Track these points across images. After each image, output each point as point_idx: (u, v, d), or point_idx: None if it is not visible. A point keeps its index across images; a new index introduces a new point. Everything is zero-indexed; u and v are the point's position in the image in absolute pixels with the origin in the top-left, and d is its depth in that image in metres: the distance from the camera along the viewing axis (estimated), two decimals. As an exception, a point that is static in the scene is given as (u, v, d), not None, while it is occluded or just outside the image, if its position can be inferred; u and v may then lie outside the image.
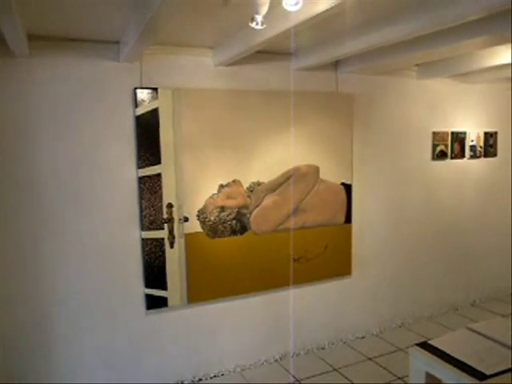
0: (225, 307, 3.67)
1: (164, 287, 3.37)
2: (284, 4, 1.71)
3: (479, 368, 1.92)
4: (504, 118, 5.12)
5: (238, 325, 3.75)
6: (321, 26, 2.65)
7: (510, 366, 1.93)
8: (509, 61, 3.16)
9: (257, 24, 1.84)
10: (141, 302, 3.36)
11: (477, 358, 2.00)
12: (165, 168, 3.27)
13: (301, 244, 3.83)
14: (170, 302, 3.40)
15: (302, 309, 4.01)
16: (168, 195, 3.31)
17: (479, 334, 2.24)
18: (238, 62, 3.33)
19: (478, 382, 1.85)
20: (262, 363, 3.85)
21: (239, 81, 3.53)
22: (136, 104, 3.14)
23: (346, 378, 3.63)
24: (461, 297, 5.03)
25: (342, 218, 4.02)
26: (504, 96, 5.11)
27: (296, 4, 1.69)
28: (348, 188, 4.01)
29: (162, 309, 3.41)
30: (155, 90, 3.19)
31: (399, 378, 3.58)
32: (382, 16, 2.58)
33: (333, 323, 4.19)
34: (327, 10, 1.96)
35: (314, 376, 3.66)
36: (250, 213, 3.59)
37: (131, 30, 2.57)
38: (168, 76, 3.28)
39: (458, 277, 4.99)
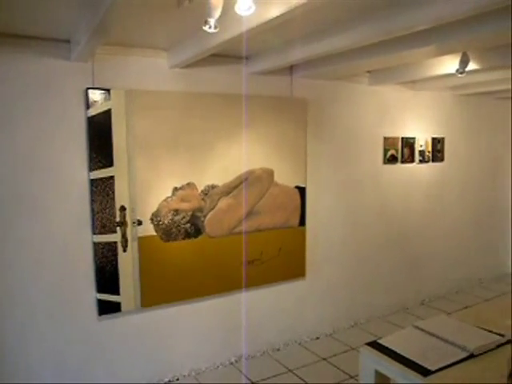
0: (179, 311, 3.63)
1: (117, 292, 3.30)
2: (237, 8, 1.72)
3: (424, 364, 2.00)
4: (450, 125, 5.35)
5: (193, 328, 3.73)
6: (275, 31, 2.68)
7: (451, 361, 2.02)
8: (453, 71, 3.30)
9: (210, 27, 1.84)
10: (92, 308, 3.27)
11: (422, 355, 2.08)
12: (118, 170, 3.21)
13: (255, 247, 3.86)
14: (123, 307, 3.34)
15: (257, 311, 4.03)
16: (121, 198, 3.25)
17: (424, 331, 2.33)
18: (193, 64, 3.32)
19: (422, 377, 1.92)
20: (218, 366, 3.84)
21: (195, 83, 3.51)
22: (88, 105, 3.07)
23: (301, 378, 3.67)
24: (411, 297, 5.20)
25: (296, 221, 4.07)
26: (451, 103, 5.35)
27: (248, 9, 1.71)
28: (302, 191, 4.07)
29: (115, 314, 3.34)
30: (108, 90, 3.12)
31: (352, 376, 3.66)
32: (334, 24, 2.65)
33: (288, 325, 4.24)
34: (280, 16, 1.99)
35: (268, 377, 3.69)
36: (205, 216, 3.58)
37: (82, 29, 2.51)
38: (121, 77, 3.23)
39: (409, 278, 5.16)
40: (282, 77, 3.93)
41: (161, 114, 3.34)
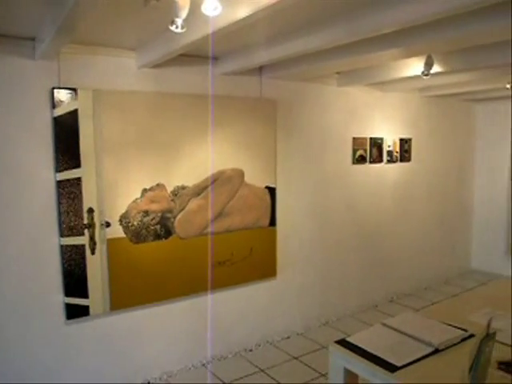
0: (150, 313, 3.60)
1: (85, 295, 3.25)
2: (203, 9, 1.72)
3: (391, 360, 2.03)
4: (417, 126, 5.47)
5: (164, 330, 3.69)
6: (243, 32, 2.69)
7: (417, 357, 2.07)
8: (419, 73, 3.38)
9: (177, 27, 1.83)
10: (60, 312, 3.20)
11: (389, 351, 2.12)
12: (85, 172, 3.15)
13: (226, 247, 3.85)
14: (91, 311, 3.28)
15: (229, 312, 4.03)
16: (89, 200, 3.19)
17: (392, 328, 2.37)
18: (162, 64, 3.30)
19: (389, 373, 1.96)
20: (190, 368, 3.82)
21: (164, 83, 3.49)
22: (54, 105, 3.00)
23: (272, 378, 3.69)
24: (380, 294, 5.29)
25: (267, 221, 4.09)
26: (418, 104, 5.47)
27: (215, 9, 1.71)
28: (272, 191, 4.09)
29: (84, 318, 3.28)
30: (74, 90, 3.07)
31: (322, 374, 3.70)
32: (302, 25, 2.67)
33: (259, 325, 4.25)
34: (247, 17, 1.99)
35: (240, 378, 3.69)
36: (175, 217, 3.55)
37: (47, 26, 2.46)
38: (88, 76, 3.17)
39: (378, 276, 5.25)
40: (252, 77, 3.94)
41: (129, 114, 3.30)
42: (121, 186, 3.31)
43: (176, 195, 3.54)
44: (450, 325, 2.39)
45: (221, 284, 3.89)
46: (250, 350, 4.16)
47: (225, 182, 3.77)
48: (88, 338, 3.35)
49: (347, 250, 4.90)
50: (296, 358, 4.02)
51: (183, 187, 3.57)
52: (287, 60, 3.37)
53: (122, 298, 3.40)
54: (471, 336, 2.22)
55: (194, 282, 3.73)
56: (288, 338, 4.43)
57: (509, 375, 1.94)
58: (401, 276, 5.52)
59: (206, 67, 3.64)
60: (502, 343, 2.21)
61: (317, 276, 4.65)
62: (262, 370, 3.81)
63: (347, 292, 4.95)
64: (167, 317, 3.70)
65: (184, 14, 1.78)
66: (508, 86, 4.08)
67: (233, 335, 4.08)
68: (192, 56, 3.46)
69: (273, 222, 4.13)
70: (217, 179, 3.73)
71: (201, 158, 3.65)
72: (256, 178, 3.97)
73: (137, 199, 3.38)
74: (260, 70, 3.93)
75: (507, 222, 6.14)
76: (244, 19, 2.02)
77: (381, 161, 5.04)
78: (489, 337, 1.76)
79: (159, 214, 3.48)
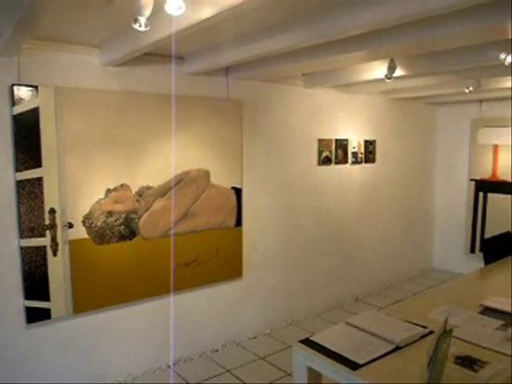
0: (115, 315, 3.54)
1: (47, 298, 3.16)
2: (166, 8, 1.70)
3: (353, 358, 2.07)
4: (381, 128, 5.59)
5: (129, 333, 3.64)
6: (209, 32, 2.69)
7: (379, 354, 2.11)
8: (383, 76, 3.45)
9: (140, 26, 1.81)
10: (20, 316, 3.11)
11: (352, 350, 2.15)
12: (46, 171, 3.07)
13: (192, 248, 3.83)
14: (53, 314, 3.20)
15: (195, 313, 4.01)
16: (50, 200, 3.11)
17: (355, 326, 2.41)
18: (127, 63, 3.25)
19: (351, 371, 1.99)
20: (155, 370, 3.78)
21: (129, 82, 3.44)
22: (13, 102, 2.92)
23: (238, 378, 3.69)
24: (346, 294, 5.38)
25: (233, 222, 4.09)
26: (382, 107, 5.58)
27: (179, 8, 1.70)
28: (238, 192, 4.10)
29: (45, 321, 3.19)
30: (35, 87, 2.99)
31: (288, 374, 3.72)
32: (268, 26, 2.68)
33: (226, 325, 4.24)
34: (212, 17, 1.99)
35: (206, 379, 3.68)
36: (139, 218, 3.51)
37: (5, 21, 2.38)
38: (50, 74, 3.09)
39: (344, 276, 5.33)
40: (218, 78, 3.93)
41: (93, 113, 3.24)
42: (84, 187, 3.24)
43: (141, 196, 3.50)
44: (411, 322, 2.45)
45: (186, 285, 3.86)
46: (216, 351, 4.15)
47: (190, 182, 3.75)
48: (50, 342, 3.26)
49: (314, 250, 4.95)
50: (262, 358, 4.04)
51: (148, 187, 3.53)
52: (253, 61, 3.38)
53: (86, 301, 3.34)
54: (430, 333, 2.28)
55: (160, 283, 3.70)
56: (255, 338, 4.44)
57: (465, 369, 2.00)
58: (366, 276, 5.62)
59: (171, 66, 3.61)
60: (459, 339, 2.28)
61: (283, 276, 4.68)
62: (228, 371, 3.81)
63: (313, 292, 5.00)
64: (132, 319, 3.64)
65: (147, 12, 1.76)
66: (467, 90, 4.22)
67: (199, 336, 4.06)
68: (158, 55, 3.43)
69: (239, 223, 4.13)
70: (182, 180, 3.71)
71: (166, 159, 3.62)
72: (222, 179, 3.96)
73: (100, 200, 3.32)
74: (226, 70, 3.93)
75: (466, 223, 6.34)
76: (208, 19, 2.02)
77: (346, 162, 5.11)
78: (446, 333, 1.81)
79: (123, 215, 3.43)
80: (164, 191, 3.61)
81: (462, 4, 1.88)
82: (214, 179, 3.90)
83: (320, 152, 4.82)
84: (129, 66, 3.36)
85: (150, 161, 3.54)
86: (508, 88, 4.45)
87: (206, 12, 1.95)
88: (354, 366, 2.02)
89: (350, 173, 5.21)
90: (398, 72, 3.48)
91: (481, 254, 4.10)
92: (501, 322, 2.51)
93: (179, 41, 2.69)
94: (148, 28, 1.83)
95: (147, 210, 3.53)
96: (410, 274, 6.35)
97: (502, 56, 2.79)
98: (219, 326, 4.20)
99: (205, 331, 4.10)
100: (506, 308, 2.69)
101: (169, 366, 3.85)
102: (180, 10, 1.70)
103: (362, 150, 5.29)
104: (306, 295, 4.92)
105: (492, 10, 2.13)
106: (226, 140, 3.97)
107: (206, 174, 3.85)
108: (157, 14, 1.92)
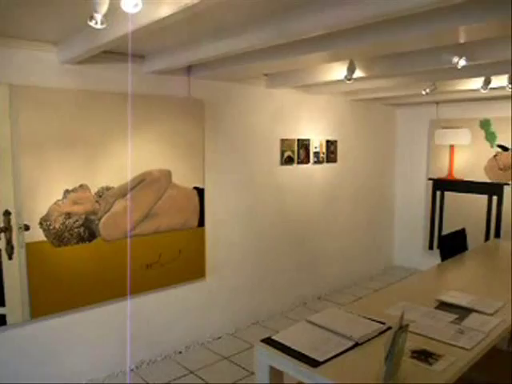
0: (75, 319, 3.45)
1: (1, 303, 3.05)
2: (122, 5, 1.68)
3: (313, 356, 2.10)
4: (343, 128, 5.68)
5: (90, 337, 3.56)
6: (170, 31, 2.66)
7: (339, 351, 2.15)
8: (342, 77, 3.50)
9: (96, 23, 1.77)
10: (-28, 322, 3.00)
11: (312, 347, 2.18)
12: (0, 172, 2.97)
13: (154, 249, 3.78)
14: (9, 320, 3.10)
15: (158, 315, 3.96)
16: (5, 202, 3.01)
17: (315, 324, 2.44)
18: (86, 61, 3.17)
19: (312, 369, 2.02)
20: (117, 375, 3.72)
21: (88, 81, 3.36)
22: (-36, 100, 2.81)
23: (202, 378, 3.68)
24: (310, 292, 5.43)
25: (196, 222, 4.06)
26: (343, 108, 5.68)
27: (135, 6, 1.68)
28: (201, 192, 4.07)
29: (1, 328, 3.08)
30: (-12, 85, 2.88)
31: (252, 373, 3.73)
32: (230, 26, 2.67)
33: (190, 327, 4.21)
34: (171, 16, 1.97)
35: (169, 381, 3.64)
36: (99, 219, 3.43)
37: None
38: (5, 71, 2.98)
39: (307, 275, 5.39)
40: (180, 77, 3.90)
41: (51, 111, 3.15)
42: (41, 187, 3.15)
43: (100, 196, 3.43)
44: (370, 319, 2.50)
45: (149, 287, 3.81)
46: (180, 353, 4.12)
47: (152, 182, 3.70)
48: (7, 349, 3.15)
49: (277, 249, 4.98)
50: (226, 358, 4.04)
51: (108, 188, 3.46)
52: (215, 60, 3.37)
53: (44, 305, 3.24)
54: (389, 328, 2.34)
55: (121, 285, 3.63)
56: (219, 338, 4.43)
57: (420, 362, 2.07)
58: (329, 274, 5.70)
59: (133, 65, 3.55)
60: (416, 333, 2.35)
61: (247, 276, 4.69)
62: (192, 372, 3.79)
63: (278, 291, 5.03)
64: (93, 322, 3.56)
65: (103, 9, 1.73)
66: (424, 92, 4.34)
67: (162, 338, 4.01)
68: (118, 53, 3.36)
69: (202, 223, 4.11)
70: (143, 180, 3.65)
71: (127, 159, 3.56)
72: (184, 179, 3.93)
73: (59, 201, 3.23)
74: (188, 69, 3.90)
75: (425, 221, 6.53)
76: (167, 18, 1.99)
77: (308, 162, 5.17)
78: (402, 329, 1.86)
79: (83, 216, 3.35)
80: (125, 192, 3.55)
81: (418, 8, 1.93)
82: (175, 179, 3.86)
83: (282, 152, 4.85)
84: (88, 64, 3.28)
85: (110, 161, 3.47)
86: (462, 90, 4.61)
87: (164, 10, 1.93)
88: (314, 363, 2.05)
89: (312, 172, 5.28)
90: (358, 73, 3.54)
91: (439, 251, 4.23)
92: (455, 316, 2.61)
93: (139, 39, 2.65)
94: (104, 25, 1.79)
95: (107, 211, 3.46)
96: (371, 271, 6.48)
97: (455, 60, 2.89)
98: (183, 328, 4.16)
99: (169, 333, 4.05)
100: (460, 302, 2.80)
101: (132, 370, 3.79)
102: (136, 8, 1.68)
103: (324, 150, 5.37)
104: (270, 294, 4.94)
105: (447, 14, 2.20)
106: (188, 140, 3.94)
107: (168, 174, 3.81)
108: (115, 11, 1.89)
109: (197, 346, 4.25)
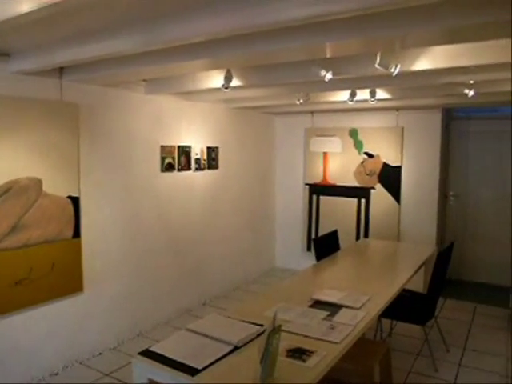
0: None
1: None
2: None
3: (192, 364, 2.09)
4: (224, 135, 5.77)
5: None
6: (40, 28, 2.47)
7: (218, 357, 2.16)
8: (219, 85, 3.56)
9: None
10: None
11: (191, 355, 2.17)
12: None
13: (24, 264, 3.47)
14: None
15: (30, 335, 3.64)
16: None
17: (195, 332, 2.44)
18: None
19: (190, 377, 2.00)
20: (-21, 406, 3.34)
21: None
22: None
23: (79, 400, 3.47)
24: (194, 299, 5.41)
25: (70, 233, 3.82)
26: (224, 115, 5.77)
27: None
28: (76, 201, 3.84)
29: None
30: None
31: (134, 388, 3.60)
32: (102, 28, 2.56)
33: (67, 345, 3.94)
34: (30, 13, 1.83)
35: (41, 407, 3.37)
36: (-46, 233, 3.07)
37: None
38: None
39: (191, 282, 5.36)
40: (51, 79, 3.65)
41: None
42: None
43: (-45, 208, 3.07)
44: (249, 322, 2.57)
45: (18, 305, 3.48)
46: (56, 374, 3.83)
47: (19, 191, 3.40)
48: None
49: (159, 258, 4.88)
50: (107, 375, 3.85)
51: (-36, 199, 3.12)
52: (90, 63, 3.21)
53: None
54: (265, 331, 2.41)
55: (-17, 306, 3.28)
56: (100, 354, 4.21)
57: (295, 360, 2.17)
58: (212, 279, 5.74)
59: (-4, 64, 3.25)
60: (292, 333, 2.46)
61: (129, 286, 4.52)
62: (69, 394, 3.55)
63: (161, 300, 4.93)
64: None
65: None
66: (298, 102, 4.58)
67: (35, 360, 3.69)
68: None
69: (77, 234, 3.88)
70: (10, 189, 3.34)
71: (-11, 166, 3.23)
72: (56, 188, 3.67)
73: None
74: (61, 71, 3.67)
75: (303, 223, 6.90)
76: (27, 14, 1.85)
77: (189, 168, 5.16)
78: (275, 330, 1.93)
79: None
80: (-15, 202, 3.22)
81: (291, 22, 2.01)
82: (47, 188, 3.59)
83: (163, 159, 4.78)
84: None
85: (-33, 169, 3.13)
86: (333, 102, 4.97)
87: (24, 7, 1.79)
88: (192, 371, 2.04)
89: (194, 179, 5.27)
90: (235, 82, 3.63)
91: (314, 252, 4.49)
92: (327, 313, 2.78)
93: (2, 34, 2.42)
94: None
95: (-36, 224, 3.11)
96: (254, 274, 6.66)
97: (323, 73, 3.10)
98: (59, 346, 3.88)
99: (42, 354, 3.74)
100: (332, 299, 2.99)
101: (-3, 398, 3.44)
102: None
103: (205, 157, 5.40)
104: (153, 304, 4.82)
105: (315, 30, 2.34)
106: (61, 146, 3.69)
107: (38, 182, 3.53)
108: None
109: (75, 364, 3.99)
